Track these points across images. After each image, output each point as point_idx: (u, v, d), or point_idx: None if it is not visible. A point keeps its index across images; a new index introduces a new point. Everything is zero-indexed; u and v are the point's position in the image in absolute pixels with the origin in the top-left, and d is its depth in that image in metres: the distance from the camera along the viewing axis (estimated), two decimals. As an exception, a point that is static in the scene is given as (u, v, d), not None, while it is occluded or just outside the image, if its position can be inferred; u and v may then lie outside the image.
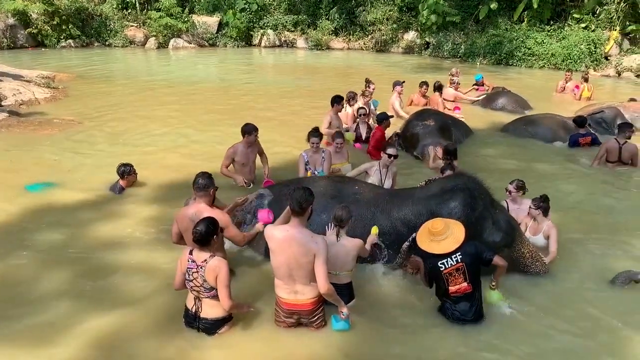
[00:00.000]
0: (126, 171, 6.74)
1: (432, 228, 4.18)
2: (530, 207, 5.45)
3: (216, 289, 3.76)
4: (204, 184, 4.36)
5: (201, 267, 3.73)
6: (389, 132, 8.81)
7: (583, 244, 5.66)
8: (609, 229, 6.07)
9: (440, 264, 4.10)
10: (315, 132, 6.83)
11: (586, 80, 13.74)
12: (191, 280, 3.80)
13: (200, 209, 4.32)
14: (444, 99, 11.84)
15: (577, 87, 13.65)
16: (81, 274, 4.90)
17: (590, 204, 6.86)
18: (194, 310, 3.90)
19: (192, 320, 3.94)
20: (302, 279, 3.87)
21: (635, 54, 18.76)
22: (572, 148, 9.08)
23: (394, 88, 10.94)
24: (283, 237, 3.82)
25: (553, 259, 5.22)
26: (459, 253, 4.10)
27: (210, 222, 3.83)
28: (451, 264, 4.08)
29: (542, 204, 5.42)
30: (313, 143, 6.74)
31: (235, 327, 4.06)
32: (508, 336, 4.10)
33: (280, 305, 4.00)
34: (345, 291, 4.34)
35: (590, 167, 8.10)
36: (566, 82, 14.19)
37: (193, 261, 3.78)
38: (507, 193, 5.77)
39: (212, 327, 3.91)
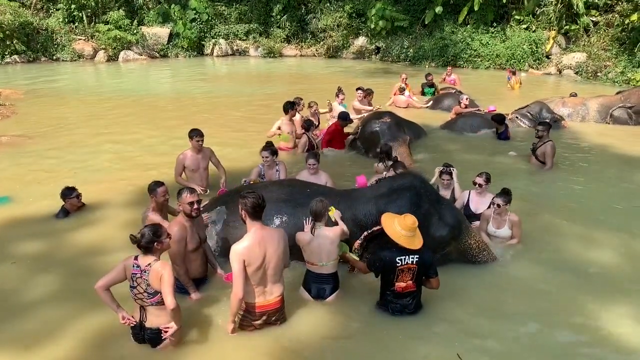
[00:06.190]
0: (67, 194, 6.41)
1: (411, 224, 4.18)
2: (497, 204, 5.50)
3: (160, 293, 3.71)
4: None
5: (145, 272, 3.71)
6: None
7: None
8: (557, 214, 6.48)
9: (399, 259, 4.17)
10: (267, 147, 6.74)
11: (514, 73, 15.85)
12: (135, 287, 3.75)
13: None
14: (397, 106, 12.29)
15: (454, 81, 15.81)
16: (67, 278, 5.00)
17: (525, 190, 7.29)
18: (139, 321, 3.86)
19: (138, 331, 3.89)
20: (272, 277, 3.98)
21: (574, 52, 19.70)
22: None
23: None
24: (257, 241, 3.86)
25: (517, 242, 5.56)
26: (417, 256, 4.20)
27: (156, 228, 3.84)
28: (407, 262, 4.18)
29: (509, 197, 5.56)
30: (264, 157, 6.68)
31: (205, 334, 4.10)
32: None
33: (250, 309, 4.03)
34: (331, 281, 4.49)
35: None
36: (448, 75, 16.29)
37: (137, 266, 3.75)
38: (477, 186, 5.99)
39: (157, 336, 3.86)
